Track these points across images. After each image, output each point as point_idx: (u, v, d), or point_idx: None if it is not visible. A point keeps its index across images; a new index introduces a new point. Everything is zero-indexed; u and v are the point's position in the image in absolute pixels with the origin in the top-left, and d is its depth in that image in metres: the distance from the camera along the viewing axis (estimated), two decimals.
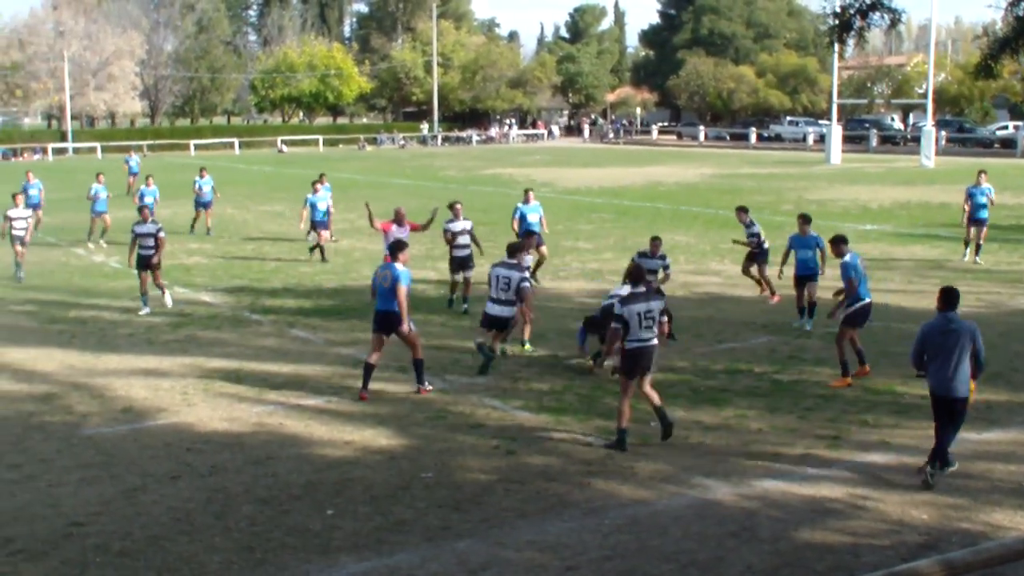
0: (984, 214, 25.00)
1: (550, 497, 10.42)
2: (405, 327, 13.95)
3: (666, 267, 17.65)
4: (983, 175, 25.43)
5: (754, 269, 20.55)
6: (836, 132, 67.99)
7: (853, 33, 18.07)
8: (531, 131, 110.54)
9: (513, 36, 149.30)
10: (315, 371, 15.44)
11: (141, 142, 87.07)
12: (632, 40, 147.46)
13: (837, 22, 17.95)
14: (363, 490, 10.64)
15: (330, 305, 20.59)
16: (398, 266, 14.01)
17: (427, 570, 8.87)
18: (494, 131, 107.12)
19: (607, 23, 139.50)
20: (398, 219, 19.98)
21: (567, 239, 29.54)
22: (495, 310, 15.65)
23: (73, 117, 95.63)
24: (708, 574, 8.73)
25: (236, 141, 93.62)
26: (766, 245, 20.33)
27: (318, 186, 27.31)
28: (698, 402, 13.64)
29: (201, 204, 32.25)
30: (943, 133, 74.75)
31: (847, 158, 67.11)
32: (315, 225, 26.70)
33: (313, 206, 26.74)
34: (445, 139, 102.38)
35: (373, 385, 14.55)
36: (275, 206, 40.18)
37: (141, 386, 14.74)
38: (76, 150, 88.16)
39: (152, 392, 14.43)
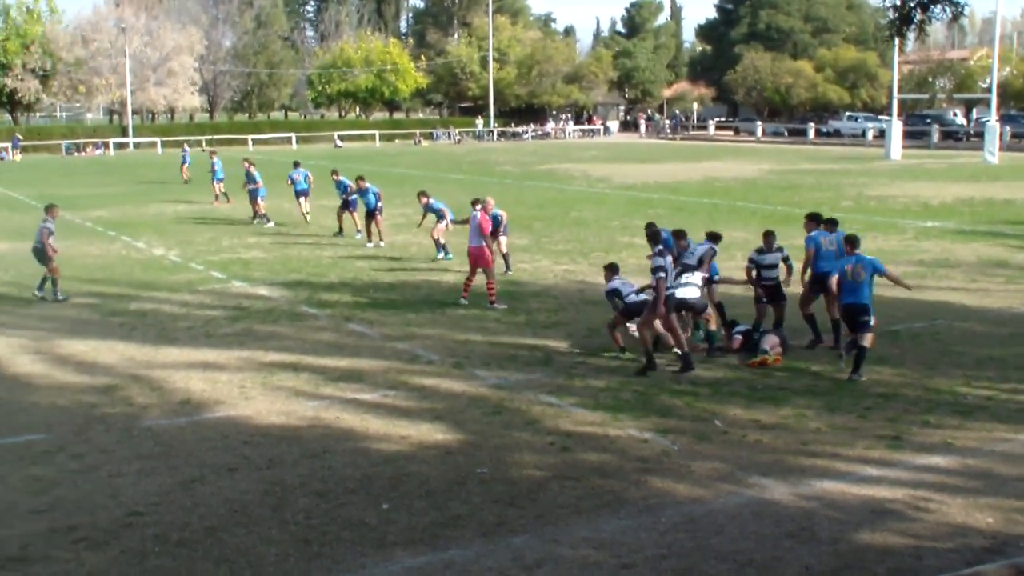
0: None
1: (605, 494, 10.37)
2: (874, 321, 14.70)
3: (786, 259, 16.83)
4: None
5: None
6: (896, 127, 67.09)
7: (914, 27, 17.80)
8: (587, 126, 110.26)
9: (569, 31, 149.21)
10: (371, 365, 15.48)
11: (200, 136, 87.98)
12: (689, 35, 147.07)
13: (897, 16, 17.67)
14: (419, 485, 10.65)
15: (386, 300, 20.65)
16: (869, 256, 14.73)
17: (482, 565, 8.86)
18: (550, 126, 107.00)
19: (663, 18, 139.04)
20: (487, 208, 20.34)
21: (623, 235, 29.43)
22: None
23: (134, 112, 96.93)
24: (765, 574, 8.64)
25: (293, 136, 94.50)
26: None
27: (363, 183, 28.51)
28: (755, 400, 13.51)
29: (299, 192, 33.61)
30: (1008, 128, 73.55)
31: (907, 154, 66.28)
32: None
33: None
34: (500, 134, 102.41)
35: (427, 381, 14.61)
36: (332, 201, 40.25)
37: (199, 379, 14.87)
38: (137, 145, 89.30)
39: (210, 385, 14.56)
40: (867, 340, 14.46)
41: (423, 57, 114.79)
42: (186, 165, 50.54)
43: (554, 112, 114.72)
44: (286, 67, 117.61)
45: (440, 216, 25.01)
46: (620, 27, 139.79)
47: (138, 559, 9.07)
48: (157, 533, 9.56)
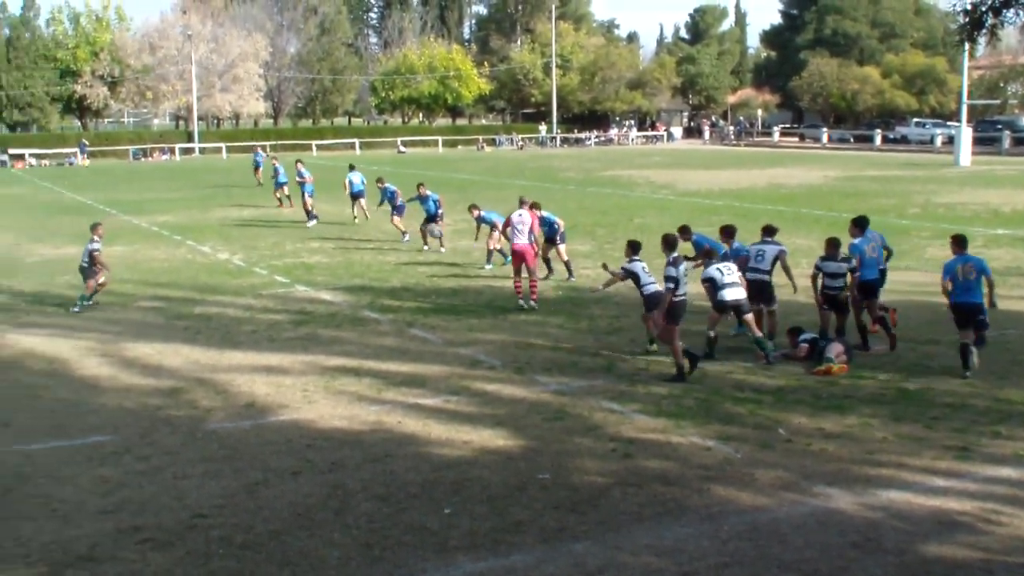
0: None
1: (668, 501, 10.30)
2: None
3: (853, 270, 16.22)
4: None
5: None
6: (966, 134, 66.03)
7: (985, 31, 17.48)
8: (650, 133, 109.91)
9: (632, 37, 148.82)
10: (433, 371, 15.52)
11: (265, 142, 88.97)
12: (753, 41, 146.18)
13: (968, 20, 17.37)
14: (480, 490, 10.65)
15: (448, 305, 20.70)
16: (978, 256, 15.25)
17: (543, 571, 8.83)
18: (613, 133, 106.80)
19: (728, 24, 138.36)
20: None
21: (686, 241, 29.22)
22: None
23: (200, 118, 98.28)
24: None
25: (357, 142, 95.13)
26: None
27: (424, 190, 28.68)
28: (820, 409, 13.35)
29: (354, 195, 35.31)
30: None
31: (977, 160, 65.22)
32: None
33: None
34: (563, 140, 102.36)
35: (489, 386, 14.61)
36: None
37: (263, 382, 14.99)
38: (202, 150, 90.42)
39: (274, 388, 14.67)
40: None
41: (486, 63, 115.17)
42: (260, 169, 51.16)
43: (617, 118, 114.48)
44: (350, 73, 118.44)
45: (494, 226, 25.04)
46: (684, 33, 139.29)
47: (202, 561, 9.16)
48: (221, 535, 9.65)
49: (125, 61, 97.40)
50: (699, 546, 9.24)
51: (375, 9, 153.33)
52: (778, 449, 11.79)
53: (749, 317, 15.84)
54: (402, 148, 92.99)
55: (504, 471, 11.20)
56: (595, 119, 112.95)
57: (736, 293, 15.63)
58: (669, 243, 15.23)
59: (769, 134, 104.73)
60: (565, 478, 10.96)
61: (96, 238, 21.06)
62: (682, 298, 14.87)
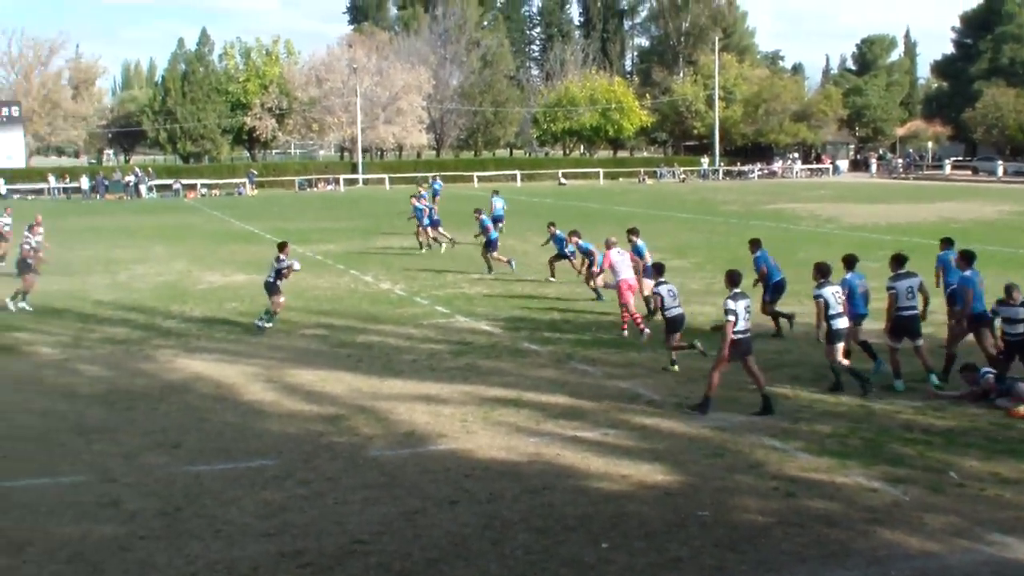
0: None
1: (831, 543, 9.99)
2: None
3: None
4: None
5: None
6: None
7: None
8: (815, 166, 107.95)
9: (797, 68, 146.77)
10: (592, 404, 15.43)
11: (427, 173, 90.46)
12: (924, 71, 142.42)
13: None
14: (638, 525, 10.52)
15: (608, 338, 20.60)
16: None
17: None
18: (777, 165, 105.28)
19: (897, 54, 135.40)
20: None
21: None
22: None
23: (364, 149, 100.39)
24: None
25: (518, 173, 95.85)
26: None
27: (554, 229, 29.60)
28: (995, 452, 12.79)
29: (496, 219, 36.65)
30: None
31: None
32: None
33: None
34: (726, 173, 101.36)
35: (648, 420, 14.44)
36: (536, 238, 40.55)
37: (423, 411, 15.14)
38: (366, 181, 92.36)
39: (433, 417, 14.79)
40: None
41: (648, 95, 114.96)
42: (437, 196, 51.00)
43: (781, 151, 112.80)
44: (511, 105, 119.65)
45: (588, 254, 25.27)
46: (851, 64, 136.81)
47: None
48: (380, 562, 9.73)
49: (293, 94, 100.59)
50: None
51: (537, 42, 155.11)
52: (949, 493, 11.34)
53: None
54: (563, 180, 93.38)
55: (663, 507, 11.04)
56: (758, 152, 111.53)
57: (844, 322, 15.66)
58: (733, 279, 15.14)
59: (940, 167, 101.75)
60: (725, 516, 10.75)
61: (282, 256, 21.79)
62: (743, 336, 14.67)
